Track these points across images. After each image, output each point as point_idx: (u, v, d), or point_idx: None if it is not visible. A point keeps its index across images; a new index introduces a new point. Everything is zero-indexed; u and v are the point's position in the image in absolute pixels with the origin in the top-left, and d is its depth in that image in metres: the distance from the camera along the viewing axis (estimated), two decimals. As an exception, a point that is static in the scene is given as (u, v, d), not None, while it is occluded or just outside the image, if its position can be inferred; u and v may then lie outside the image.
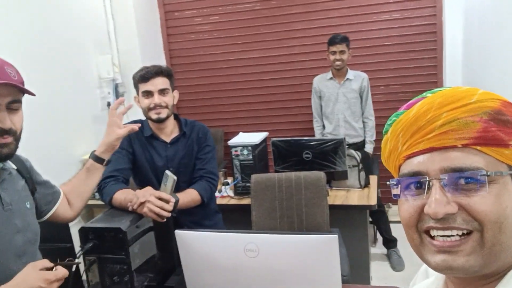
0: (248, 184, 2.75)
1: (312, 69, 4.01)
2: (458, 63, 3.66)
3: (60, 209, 1.50)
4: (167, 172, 1.72)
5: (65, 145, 3.27)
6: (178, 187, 1.92)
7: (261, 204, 2.54)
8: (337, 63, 3.34)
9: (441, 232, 0.60)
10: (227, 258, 1.38)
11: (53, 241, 1.68)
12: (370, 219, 3.25)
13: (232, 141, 2.87)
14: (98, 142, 3.71)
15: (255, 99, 4.28)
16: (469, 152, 0.60)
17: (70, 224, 1.71)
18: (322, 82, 3.55)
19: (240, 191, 2.86)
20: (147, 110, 2.00)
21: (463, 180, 0.59)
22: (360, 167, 2.86)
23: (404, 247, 3.45)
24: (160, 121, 1.99)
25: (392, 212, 3.69)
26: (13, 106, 1.18)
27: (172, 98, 2.03)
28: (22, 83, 1.20)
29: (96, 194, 1.90)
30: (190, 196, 1.92)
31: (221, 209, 2.66)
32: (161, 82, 1.98)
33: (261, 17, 4.12)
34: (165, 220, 1.64)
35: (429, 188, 0.61)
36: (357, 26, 3.91)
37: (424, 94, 0.67)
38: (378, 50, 3.93)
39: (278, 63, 4.16)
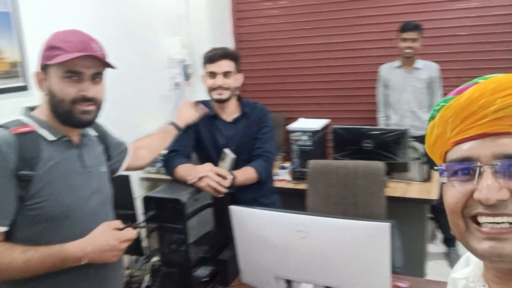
0: (305, 170, 2.77)
1: (379, 57, 3.91)
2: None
3: (130, 162, 1.67)
4: (226, 150, 1.79)
5: (134, 121, 3.45)
6: (238, 165, 2.00)
7: (317, 190, 2.56)
8: (407, 50, 3.25)
9: (490, 219, 0.60)
10: (278, 237, 1.42)
11: (118, 208, 1.81)
12: (431, 215, 3.16)
13: (292, 126, 2.90)
14: (165, 119, 3.88)
15: (319, 85, 4.26)
16: None
17: (134, 194, 1.84)
18: (389, 70, 3.47)
19: (298, 176, 2.89)
20: (210, 90, 2.07)
21: None
22: (423, 160, 2.78)
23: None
24: (221, 101, 2.06)
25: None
26: (96, 78, 1.29)
27: (235, 80, 2.08)
28: (105, 57, 1.30)
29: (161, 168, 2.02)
30: (247, 174, 1.98)
31: (278, 191, 2.71)
32: (226, 65, 2.04)
33: (330, 2, 4.07)
34: (221, 195, 1.71)
35: (480, 174, 0.60)
36: (430, 14, 3.75)
37: (475, 80, 0.65)
38: (451, 40, 3.76)
39: (345, 50, 4.10)
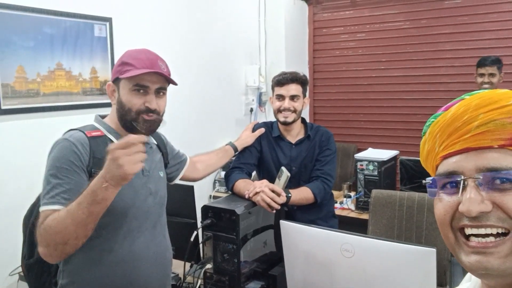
0: (369, 200, 2.75)
1: (457, 91, 3.77)
2: None
3: (186, 173, 1.83)
4: (283, 168, 1.86)
5: (210, 142, 3.64)
6: (298, 186, 2.07)
7: (379, 221, 2.52)
8: (485, 86, 3.14)
9: (475, 230, 0.61)
10: (324, 254, 1.45)
11: (182, 217, 1.96)
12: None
13: (359, 155, 2.91)
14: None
15: (391, 117, 4.21)
16: (505, 153, 0.61)
17: (197, 205, 1.97)
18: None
19: (361, 205, 2.88)
20: (276, 112, 2.16)
21: (498, 180, 0.60)
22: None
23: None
24: (286, 124, 2.15)
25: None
26: (160, 92, 1.46)
27: (301, 104, 2.17)
28: (169, 74, 1.46)
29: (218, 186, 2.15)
30: (303, 193, 2.02)
31: (340, 220, 2.71)
32: (294, 88, 2.13)
33: (408, 35, 4.06)
34: (274, 211, 1.78)
35: (464, 187, 0.63)
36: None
37: (462, 96, 0.68)
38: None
39: (420, 83, 4.04)
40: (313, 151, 2.19)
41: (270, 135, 2.23)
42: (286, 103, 2.12)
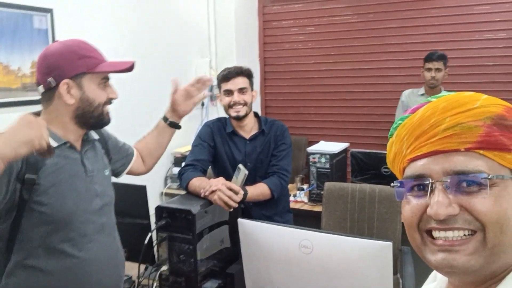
0: (322, 192, 2.79)
1: (402, 84, 3.92)
2: None
3: (134, 166, 1.72)
4: (240, 166, 1.84)
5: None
6: (254, 182, 2.05)
7: (332, 213, 2.56)
8: (432, 81, 3.25)
9: (443, 233, 0.62)
10: (283, 252, 1.44)
11: (134, 217, 1.89)
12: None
13: (311, 148, 2.93)
14: (188, 138, 3.97)
15: (341, 110, 4.29)
16: (472, 156, 0.62)
17: (149, 204, 1.90)
18: (412, 97, 3.47)
19: (314, 198, 2.91)
20: (227, 108, 2.13)
21: (465, 183, 0.61)
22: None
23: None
24: (238, 118, 2.12)
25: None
26: (108, 81, 1.41)
27: (251, 96, 2.15)
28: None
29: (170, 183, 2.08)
30: (259, 190, 2.01)
31: (293, 213, 2.72)
32: (241, 82, 2.11)
33: (356, 29, 4.14)
34: (232, 209, 1.75)
35: (432, 190, 0.63)
36: (457, 44, 3.76)
37: (429, 98, 0.69)
38: (478, 70, 3.74)
39: (368, 76, 4.14)
40: (268, 146, 2.17)
41: (224, 131, 2.19)
42: (236, 96, 2.09)
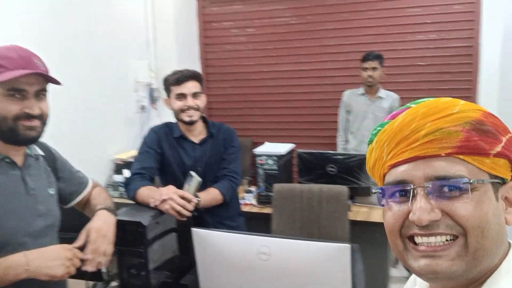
0: (271, 194, 2.78)
1: (342, 85, 4.02)
2: (494, 87, 3.59)
3: (85, 199, 1.55)
4: (192, 173, 1.78)
5: (98, 143, 3.40)
6: (204, 186, 1.99)
7: (282, 214, 2.57)
8: (369, 80, 3.35)
9: (425, 239, 0.62)
10: (240, 259, 1.41)
11: (75, 231, 1.76)
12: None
13: (258, 150, 2.92)
14: (129, 143, 3.80)
15: (285, 111, 4.33)
16: (452, 161, 0.62)
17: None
18: (352, 96, 3.56)
19: (263, 200, 2.90)
20: (179, 112, 2.05)
21: (446, 188, 0.61)
22: (385, 185, 2.84)
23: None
24: (191, 123, 2.06)
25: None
26: (40, 94, 1.26)
27: (203, 101, 2.10)
28: (48, 72, 1.26)
29: (125, 192, 1.98)
30: (211, 195, 1.98)
31: (243, 216, 2.69)
32: (194, 86, 2.05)
33: (296, 31, 4.18)
34: (185, 219, 1.69)
35: (414, 196, 0.63)
36: (392, 45, 3.91)
37: (408, 104, 0.69)
38: (411, 70, 3.91)
39: (310, 77, 4.20)
40: (217, 150, 2.13)
41: (171, 136, 2.12)
42: (190, 101, 2.03)
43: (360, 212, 2.77)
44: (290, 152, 3.06)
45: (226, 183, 2.06)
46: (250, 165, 4.30)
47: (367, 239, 2.65)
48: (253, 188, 3.11)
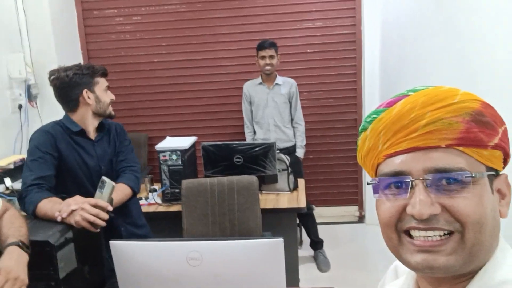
0: (177, 190, 2.67)
1: (238, 73, 4.01)
2: (376, 72, 3.87)
3: None
4: (104, 178, 1.60)
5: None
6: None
7: (193, 211, 2.48)
8: (267, 67, 3.37)
9: (423, 233, 0.60)
10: (168, 268, 1.31)
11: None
12: (298, 221, 3.31)
13: (160, 146, 2.77)
14: (7, 147, 3.39)
15: (180, 102, 4.18)
16: (452, 152, 0.61)
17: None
18: (252, 87, 3.57)
19: (169, 197, 2.76)
20: (108, 105, 2.02)
21: (444, 181, 0.60)
22: (289, 171, 2.90)
23: (329, 247, 3.57)
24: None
25: (317, 214, 3.78)
26: None
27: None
28: None
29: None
30: (122, 192, 1.88)
31: (149, 217, 2.54)
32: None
33: (186, 19, 4.04)
34: (98, 230, 1.52)
35: (412, 188, 0.61)
36: (282, 33, 3.98)
37: (405, 92, 0.66)
38: (301, 57, 4.03)
39: (203, 67, 4.10)
40: (114, 144, 2.05)
41: (68, 134, 1.90)
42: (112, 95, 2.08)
43: (268, 200, 2.80)
44: (193, 145, 2.96)
45: (130, 175, 1.99)
46: (146, 161, 4.10)
47: (276, 225, 2.69)
48: (156, 187, 2.96)
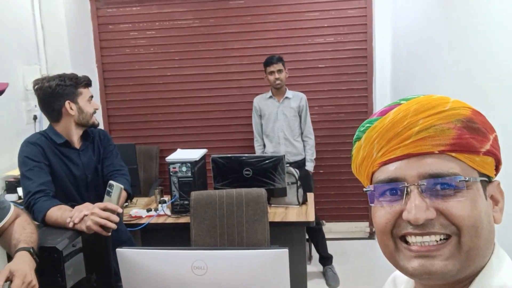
0: (186, 202, 2.69)
1: (249, 88, 4.05)
2: (387, 87, 3.88)
3: (5, 225, 1.38)
4: (112, 182, 1.63)
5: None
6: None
7: (201, 222, 2.49)
8: (278, 82, 3.41)
9: (419, 238, 0.61)
10: (174, 277, 1.31)
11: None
12: (307, 236, 3.29)
13: (170, 158, 2.80)
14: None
15: (192, 116, 4.23)
16: (445, 158, 0.62)
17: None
18: (262, 101, 3.60)
19: (178, 209, 2.78)
20: (91, 115, 2.01)
21: (439, 186, 0.61)
22: (298, 184, 2.90)
23: (339, 263, 3.53)
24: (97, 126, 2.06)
25: (327, 230, 3.76)
26: None
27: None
28: None
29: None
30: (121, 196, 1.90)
31: (158, 228, 2.56)
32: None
33: (199, 34, 4.11)
34: (110, 233, 1.54)
35: (407, 194, 0.62)
36: (293, 48, 4.02)
37: (398, 101, 0.68)
38: (312, 72, 4.06)
39: (215, 81, 4.16)
40: (98, 152, 2.09)
41: (53, 145, 1.93)
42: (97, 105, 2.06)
43: (277, 213, 2.80)
44: (203, 158, 2.98)
45: (122, 179, 2.02)
46: (157, 173, 4.14)
47: (285, 239, 2.69)
48: (166, 198, 2.98)
